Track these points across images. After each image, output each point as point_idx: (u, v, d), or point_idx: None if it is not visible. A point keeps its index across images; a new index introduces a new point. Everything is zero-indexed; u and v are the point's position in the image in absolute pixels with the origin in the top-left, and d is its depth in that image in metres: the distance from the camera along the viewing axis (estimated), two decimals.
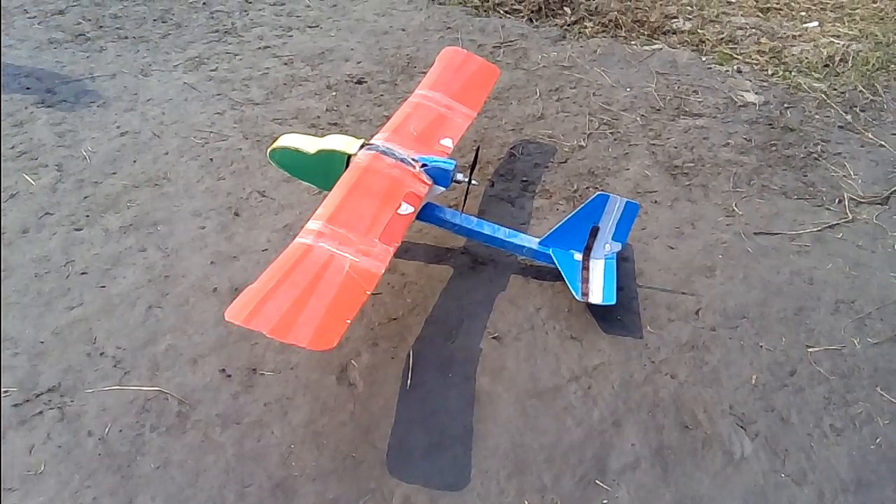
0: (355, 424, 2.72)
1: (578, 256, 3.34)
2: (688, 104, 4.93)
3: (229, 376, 2.88)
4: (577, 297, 3.15)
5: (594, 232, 3.32)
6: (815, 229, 3.86)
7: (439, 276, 3.42)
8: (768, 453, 2.73)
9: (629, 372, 3.01)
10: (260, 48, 5.55)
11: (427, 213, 3.40)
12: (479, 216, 3.84)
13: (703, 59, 5.57)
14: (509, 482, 2.57)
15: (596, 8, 6.29)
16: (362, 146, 3.29)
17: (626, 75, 5.28)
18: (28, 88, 4.90)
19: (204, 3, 6.26)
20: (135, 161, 4.20)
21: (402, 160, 3.23)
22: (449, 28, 5.90)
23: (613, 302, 3.13)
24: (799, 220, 3.92)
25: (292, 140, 3.39)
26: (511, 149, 4.43)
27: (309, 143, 3.34)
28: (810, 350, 3.15)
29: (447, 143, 3.49)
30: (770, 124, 4.76)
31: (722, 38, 5.87)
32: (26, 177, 4.02)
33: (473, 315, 3.23)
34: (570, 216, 3.33)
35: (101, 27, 5.75)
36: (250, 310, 2.35)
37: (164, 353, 2.98)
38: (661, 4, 6.41)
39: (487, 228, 3.40)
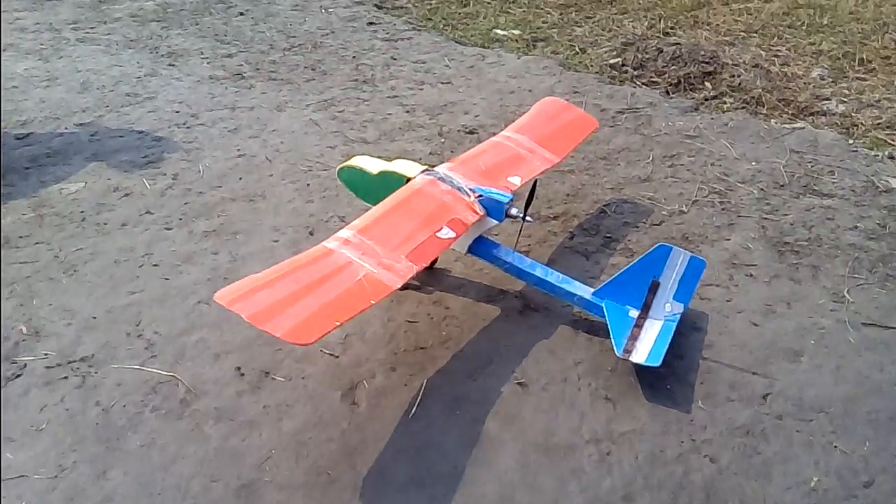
0: (343, 443, 2.58)
1: (634, 313, 3.03)
2: (819, 183, 4.43)
3: (242, 375, 2.87)
4: (616, 352, 2.83)
5: (654, 288, 3.00)
6: None
7: (484, 315, 3.24)
8: None
9: (661, 446, 2.62)
10: (389, 97, 5.78)
11: (479, 247, 3.27)
12: (548, 265, 3.62)
13: (851, 141, 5.02)
14: None
15: (739, 84, 5.94)
16: (423, 171, 3.25)
17: (754, 150, 4.87)
18: (177, 112, 5.41)
19: (353, 57, 6.66)
20: (240, 178, 4.46)
21: (459, 188, 3.15)
22: (576, 92, 5.82)
23: (657, 364, 2.78)
24: None
25: (360, 161, 3.44)
26: (604, 206, 4.18)
27: (374, 165, 3.36)
28: None
29: (515, 180, 3.36)
30: None
31: (879, 124, 5.27)
32: (144, 181, 4.38)
33: (505, 358, 3.00)
34: (628, 267, 3.04)
35: (257, 69, 6.30)
36: (239, 294, 2.34)
37: (194, 344, 3.04)
38: (813, 86, 5.91)
39: (539, 271, 3.19)
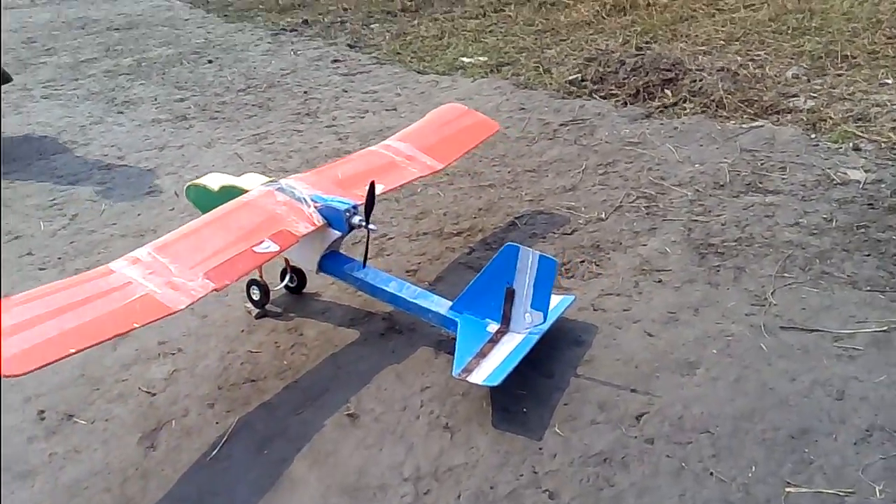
0: (119, 494, 2.24)
1: (493, 327, 2.61)
2: (765, 181, 3.94)
3: (43, 419, 2.57)
4: (453, 371, 2.41)
5: (510, 296, 2.58)
6: (878, 329, 2.69)
7: (338, 341, 2.87)
8: None
9: (493, 481, 2.17)
10: (326, 126, 5.56)
11: (329, 264, 2.92)
12: (434, 283, 3.24)
13: (813, 135, 4.50)
14: None
15: (700, 89, 5.49)
16: (265, 183, 2.93)
17: (701, 152, 4.42)
18: (105, 155, 5.28)
19: (305, 92, 6.50)
20: (139, 214, 4.25)
21: (299, 199, 2.81)
22: (522, 108, 5.49)
23: (495, 384, 2.35)
24: (859, 317, 2.78)
25: (207, 178, 3.16)
26: (516, 218, 3.78)
27: (218, 181, 3.07)
28: (789, 490, 2.05)
29: (377, 188, 3.00)
30: (870, 204, 3.60)
31: (850, 116, 4.74)
32: (41, 223, 4.20)
33: (344, 386, 2.61)
34: (479, 274, 2.63)
35: (203, 110, 6.18)
36: None
37: (10, 388, 2.73)
38: (782, 84, 5.42)
39: (394, 286, 2.82)
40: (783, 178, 3.99)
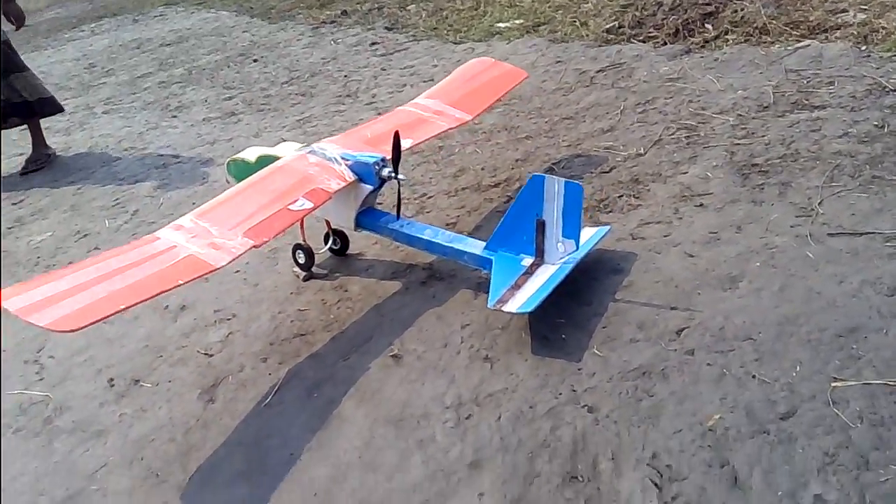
0: (183, 443, 2.36)
1: (528, 261, 2.63)
2: (811, 97, 3.79)
3: (112, 385, 2.74)
4: (489, 303, 2.44)
5: (541, 228, 2.59)
6: None
7: (381, 293, 2.95)
8: None
9: (532, 402, 2.19)
10: (366, 104, 5.65)
11: (366, 219, 2.99)
12: (473, 233, 3.28)
13: (864, 48, 4.29)
14: None
15: (742, 18, 5.30)
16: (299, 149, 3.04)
17: (744, 78, 4.28)
18: (161, 156, 5.53)
19: (345, 76, 6.61)
20: (194, 203, 4.40)
21: (330, 159, 2.90)
22: (559, 61, 5.43)
23: (528, 311, 2.36)
24: None
25: (245, 152, 3.28)
26: (554, 164, 3.77)
27: (254, 153, 3.19)
28: (835, 384, 1.99)
29: (405, 143, 3.07)
30: None
31: None
32: (106, 221, 4.44)
33: (387, 332, 2.68)
34: (508, 210, 2.66)
35: (250, 105, 6.38)
36: (20, 289, 2.20)
37: (81, 363, 2.95)
38: (829, 1, 5.17)
39: (429, 233, 2.86)
40: (831, 93, 3.82)
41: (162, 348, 2.91)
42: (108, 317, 2.11)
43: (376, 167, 2.83)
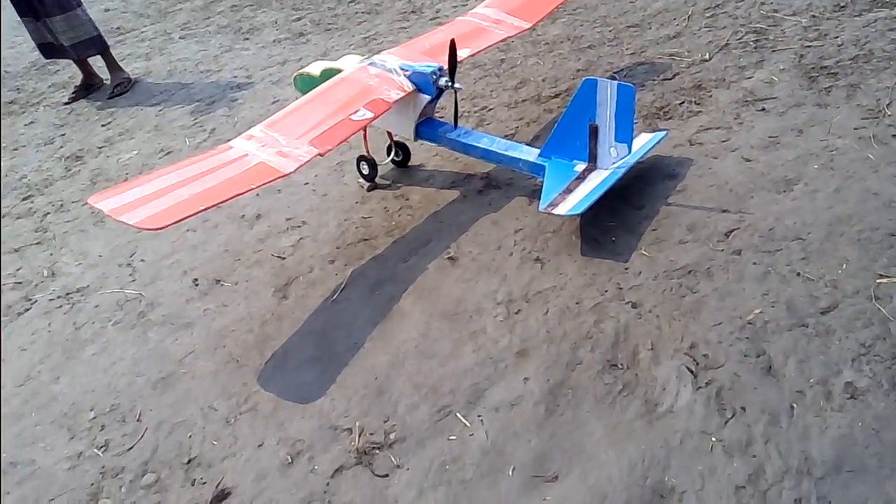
0: (260, 333, 2.60)
1: (581, 167, 2.69)
2: None
3: (197, 285, 3.00)
4: (539, 206, 2.54)
5: (594, 133, 2.64)
6: None
7: (440, 201, 3.08)
8: (710, 410, 1.83)
9: (578, 298, 2.31)
10: (430, 19, 5.65)
11: (425, 130, 3.10)
12: (531, 142, 3.35)
13: None
14: (358, 403, 2.18)
15: None
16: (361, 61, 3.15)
17: None
18: (234, 77, 5.74)
19: None
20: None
21: (390, 70, 3.00)
22: None
23: (578, 213, 2.45)
24: None
25: (310, 66, 3.41)
26: (616, 72, 3.75)
27: (319, 67, 3.31)
28: (881, 281, 2.02)
29: (462, 52, 3.12)
30: None
31: None
32: (186, 140, 4.70)
33: (445, 236, 2.82)
34: (561, 116, 2.71)
35: (318, 25, 6.47)
36: (112, 193, 2.43)
37: (169, 266, 3.22)
38: None
39: (485, 142, 2.95)
40: None
41: (240, 252, 3.14)
42: (188, 217, 2.31)
43: (433, 77, 2.90)
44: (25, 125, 5.47)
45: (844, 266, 2.10)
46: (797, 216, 2.36)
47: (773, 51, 3.45)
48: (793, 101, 3.00)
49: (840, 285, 2.05)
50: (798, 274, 2.13)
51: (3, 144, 5.18)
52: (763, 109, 3.00)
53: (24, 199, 4.21)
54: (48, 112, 5.61)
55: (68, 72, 6.49)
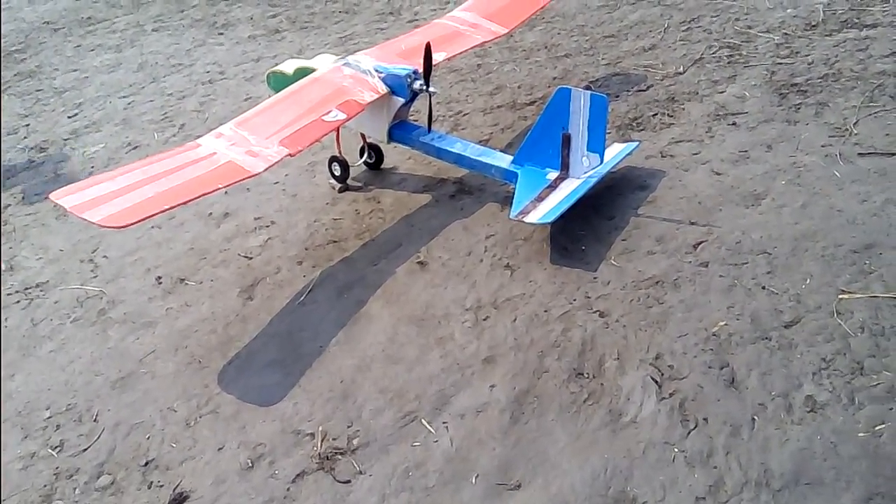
0: (223, 334, 2.56)
1: (553, 175, 2.69)
2: (863, 15, 3.67)
3: (160, 283, 2.94)
4: (510, 214, 2.53)
5: (567, 142, 2.64)
6: None
7: (412, 205, 3.06)
8: (673, 420, 1.84)
9: (547, 306, 2.31)
10: (408, 21, 5.64)
11: (398, 132, 3.08)
12: (505, 149, 3.34)
13: None
14: (322, 407, 2.16)
15: None
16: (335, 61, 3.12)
17: None
18: (207, 72, 5.66)
19: None
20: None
21: (364, 71, 2.97)
22: None
23: (548, 221, 2.45)
24: None
25: (284, 64, 3.37)
26: (591, 82, 3.77)
27: (292, 65, 3.28)
28: (843, 297, 2.05)
29: (438, 56, 3.11)
30: None
31: None
32: (155, 134, 4.62)
33: (415, 240, 2.81)
34: (535, 123, 2.71)
35: (293, 23, 6.41)
36: (74, 190, 2.37)
37: (132, 263, 3.15)
38: None
39: (458, 147, 2.94)
40: (885, 10, 3.70)
41: (206, 251, 3.09)
42: (153, 215, 2.27)
43: (408, 80, 2.89)
44: None
45: (808, 281, 2.13)
46: (764, 230, 2.39)
47: (746, 66, 3.49)
48: (763, 116, 3.04)
49: (803, 300, 2.08)
50: (763, 287, 2.15)
51: None
52: (734, 124, 3.04)
53: None
54: (13, 101, 5.48)
55: (35, 60, 6.36)
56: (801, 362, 1.90)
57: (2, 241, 3.48)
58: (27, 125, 4.98)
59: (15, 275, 3.26)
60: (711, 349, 2.00)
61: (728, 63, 3.59)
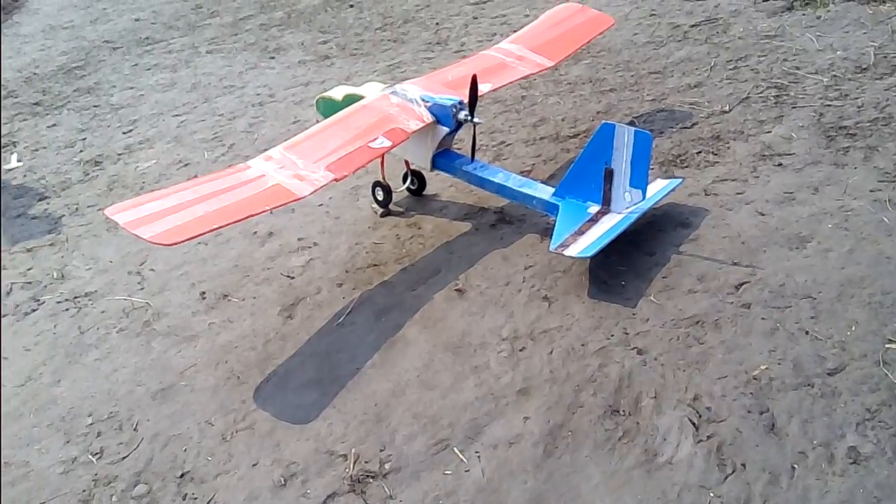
0: (262, 351, 2.61)
1: (594, 209, 2.70)
2: None
3: (204, 298, 3.00)
4: (550, 247, 2.54)
5: (609, 176, 2.66)
6: None
7: (453, 232, 3.10)
8: (710, 464, 1.82)
9: (585, 340, 2.30)
10: (455, 52, 5.72)
11: (442, 161, 3.13)
12: (547, 181, 3.36)
13: None
14: (356, 429, 2.18)
15: None
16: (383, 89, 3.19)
17: (845, 38, 4.11)
18: (258, 94, 5.81)
19: (437, 24, 6.69)
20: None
21: (411, 100, 3.04)
22: (653, 14, 5.33)
23: (587, 256, 2.45)
24: None
25: (333, 91, 3.45)
26: (635, 118, 3.78)
27: (341, 91, 3.36)
28: (890, 346, 2.01)
29: (483, 87, 3.16)
30: None
31: None
32: (205, 153, 4.75)
33: (454, 267, 2.83)
34: (579, 156, 2.73)
35: (343, 49, 6.56)
36: (128, 206, 2.46)
37: (178, 277, 3.23)
38: None
39: (500, 177, 2.97)
40: None
41: (249, 269, 3.16)
42: (201, 234, 2.33)
43: (453, 110, 2.94)
44: (48, 127, 5.54)
45: (853, 328, 2.09)
46: (809, 274, 2.35)
47: (794, 107, 3.47)
48: (810, 158, 3.01)
49: (848, 347, 2.04)
50: (806, 332, 2.12)
51: (24, 146, 5.26)
52: (780, 165, 3.01)
53: (41, 199, 4.26)
54: (71, 115, 5.68)
55: (94, 77, 6.60)
56: (844, 411, 1.86)
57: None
58: (84, 139, 5.15)
59: (66, 283, 3.36)
60: (751, 393, 1.97)
61: (775, 103, 3.57)
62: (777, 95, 3.65)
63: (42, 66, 7.33)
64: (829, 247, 2.47)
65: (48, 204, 4.18)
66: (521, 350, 2.33)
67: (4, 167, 4.98)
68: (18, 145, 5.32)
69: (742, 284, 2.39)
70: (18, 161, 4.98)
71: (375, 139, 2.85)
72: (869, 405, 1.86)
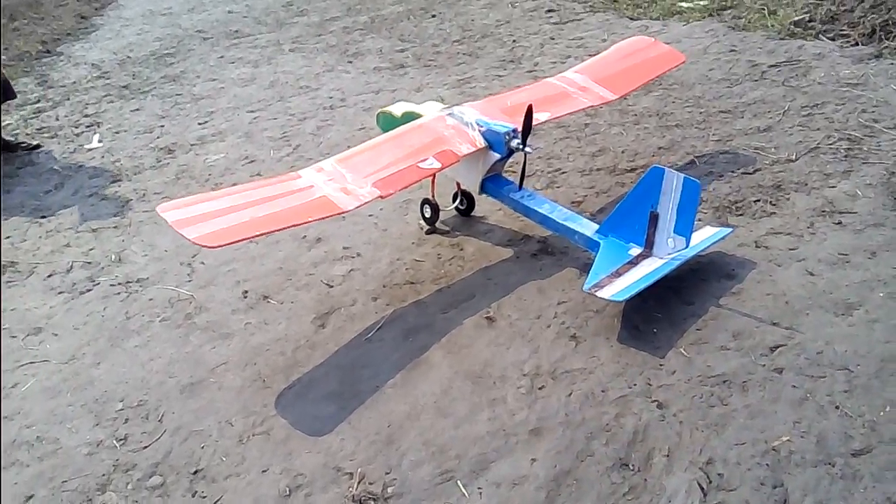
0: (291, 357, 2.67)
1: (636, 251, 2.67)
2: None
3: (246, 297, 3.10)
4: (584, 286, 2.52)
5: (654, 220, 2.62)
6: None
7: (493, 257, 3.10)
8: None
9: (606, 386, 2.27)
10: (527, 72, 5.72)
11: (491, 186, 3.14)
12: (596, 214, 3.34)
13: None
14: (366, 448, 2.21)
15: None
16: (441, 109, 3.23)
17: None
18: (330, 97, 5.95)
19: (514, 41, 6.71)
20: (349, 146, 4.76)
21: (466, 123, 3.07)
22: (733, 50, 5.21)
23: (620, 300, 2.42)
24: None
25: (394, 106, 3.51)
26: (697, 157, 3.71)
27: (401, 108, 3.41)
28: None
29: (541, 116, 3.16)
30: None
31: None
32: (272, 151, 4.89)
33: (489, 294, 2.84)
34: (625, 197, 2.70)
35: (418, 59, 6.65)
36: (180, 205, 2.56)
37: (225, 273, 3.35)
38: None
39: (546, 208, 2.96)
40: None
41: (293, 272, 3.24)
42: (244, 240, 2.41)
43: (506, 137, 2.94)
44: (131, 111, 5.80)
45: (888, 409, 1.99)
46: (850, 344, 2.26)
47: (864, 162, 3.33)
48: (872, 219, 2.88)
49: (878, 428, 1.94)
50: (837, 407, 2.03)
51: (108, 126, 5.53)
52: (840, 223, 2.90)
53: (114, 182, 4.46)
54: (154, 102, 5.94)
55: (181, 66, 6.87)
56: (863, 497, 1.77)
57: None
58: (162, 126, 5.38)
59: (122, 266, 3.52)
60: (768, 464, 1.91)
61: (845, 156, 3.43)
62: (848, 148, 3.50)
63: (136, 49, 7.68)
64: (877, 317, 2.36)
65: (119, 187, 4.39)
66: (539, 388, 2.31)
67: (86, 146, 5.25)
68: (102, 126, 5.60)
69: (778, 347, 2.30)
70: (99, 142, 5.23)
71: (426, 160, 2.89)
72: (891, 494, 1.77)
